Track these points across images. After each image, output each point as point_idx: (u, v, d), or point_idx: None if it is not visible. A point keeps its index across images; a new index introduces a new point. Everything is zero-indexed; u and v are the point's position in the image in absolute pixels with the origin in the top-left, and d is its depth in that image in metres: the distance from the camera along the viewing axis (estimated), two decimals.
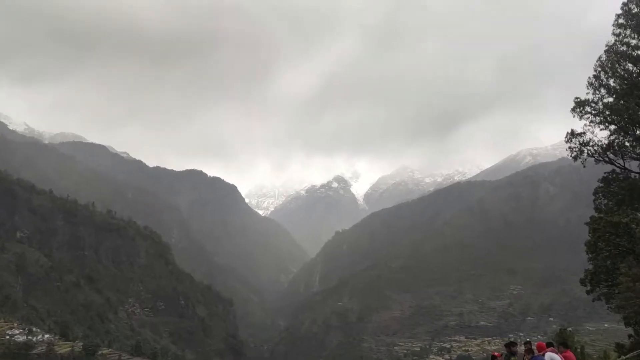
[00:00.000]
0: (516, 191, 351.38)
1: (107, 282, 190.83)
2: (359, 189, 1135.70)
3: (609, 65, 34.33)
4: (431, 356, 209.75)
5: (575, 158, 35.56)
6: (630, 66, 34.37)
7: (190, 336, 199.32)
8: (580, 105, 35.26)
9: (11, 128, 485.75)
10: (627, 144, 34.89)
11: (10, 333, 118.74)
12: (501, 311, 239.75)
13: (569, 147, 35.48)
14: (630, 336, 37.72)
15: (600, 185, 37.88)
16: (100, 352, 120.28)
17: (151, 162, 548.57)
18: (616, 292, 33.13)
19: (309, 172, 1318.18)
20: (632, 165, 35.98)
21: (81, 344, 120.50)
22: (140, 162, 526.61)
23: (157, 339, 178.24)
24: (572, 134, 35.20)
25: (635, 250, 31.06)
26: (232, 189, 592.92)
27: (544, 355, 20.46)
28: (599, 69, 34.98)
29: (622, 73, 34.18)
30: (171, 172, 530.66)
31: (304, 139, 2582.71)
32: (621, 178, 36.36)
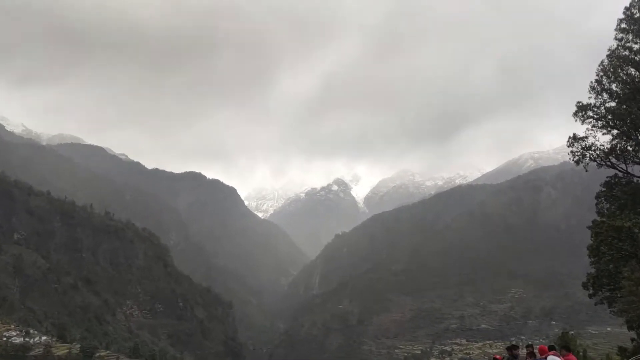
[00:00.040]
0: (518, 195, 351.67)
1: (105, 284, 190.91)
2: (359, 192, 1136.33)
3: (612, 69, 34.66)
4: (432, 359, 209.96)
5: (577, 162, 35.88)
6: (632, 71, 34.71)
7: (188, 339, 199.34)
8: (582, 110, 35.60)
9: (9, 129, 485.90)
10: (629, 148, 35.20)
11: (7, 335, 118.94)
12: (503, 314, 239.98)
13: (571, 151, 35.82)
14: (633, 340, 38.04)
15: (603, 189, 38.20)
16: (98, 354, 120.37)
17: (150, 164, 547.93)
18: (619, 295, 33.47)
19: (309, 175, 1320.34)
20: (635, 169, 36.30)
21: (79, 346, 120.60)
22: (138, 164, 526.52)
23: (155, 341, 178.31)
24: (575, 138, 35.55)
25: (637, 254, 31.40)
26: (232, 191, 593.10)
27: (546, 358, 20.76)
28: (601, 74, 35.32)
29: (624, 78, 34.51)
30: (170, 174, 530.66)
31: (304, 142, 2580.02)
32: (623, 182, 36.68)
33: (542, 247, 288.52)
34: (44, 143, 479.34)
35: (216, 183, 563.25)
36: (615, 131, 35.21)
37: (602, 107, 35.26)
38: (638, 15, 34.90)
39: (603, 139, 35.46)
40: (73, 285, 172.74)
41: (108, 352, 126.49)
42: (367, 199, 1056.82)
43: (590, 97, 35.77)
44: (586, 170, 37.08)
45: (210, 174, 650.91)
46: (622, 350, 42.13)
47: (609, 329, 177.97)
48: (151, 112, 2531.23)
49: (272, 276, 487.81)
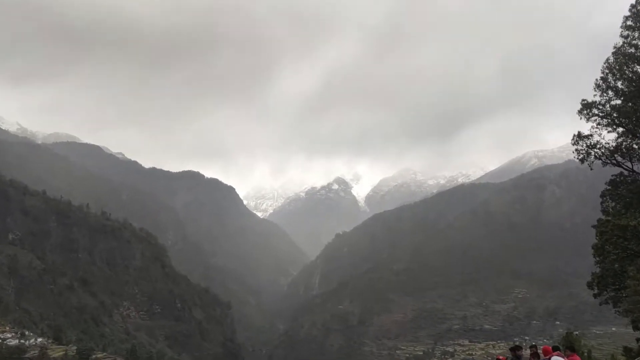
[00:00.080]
0: (521, 194, 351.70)
1: (101, 285, 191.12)
2: (360, 191, 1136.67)
3: (617, 67, 34.75)
4: None
5: (582, 160, 35.96)
6: (638, 68, 34.79)
7: (186, 340, 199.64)
8: (587, 107, 35.66)
9: (4, 128, 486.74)
10: (635, 146, 35.28)
11: (2, 337, 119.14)
12: (506, 314, 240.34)
13: (576, 150, 35.89)
14: (638, 340, 38.25)
15: (608, 187, 38.34)
16: (94, 356, 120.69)
17: (147, 163, 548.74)
18: (624, 295, 33.63)
19: (309, 174, 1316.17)
20: None
21: (75, 348, 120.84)
22: (135, 162, 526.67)
23: (152, 343, 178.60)
24: (579, 136, 35.62)
25: None
26: (230, 190, 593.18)
27: (550, 359, 20.95)
28: (607, 71, 35.39)
29: (630, 75, 34.60)
30: (168, 173, 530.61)
31: (304, 140, 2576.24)
32: (629, 181, 36.81)
33: (546, 246, 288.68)
34: (40, 142, 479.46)
35: (214, 182, 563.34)
36: (620, 129, 35.28)
37: (608, 105, 35.33)
38: None
39: (608, 137, 35.56)
40: (69, 286, 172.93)
41: (105, 354, 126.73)
42: (368, 198, 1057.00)
43: (595, 95, 35.85)
44: (591, 169, 37.17)
45: (208, 172, 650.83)
46: (627, 350, 42.31)
47: (614, 329, 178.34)
48: (149, 110, 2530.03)
49: (271, 276, 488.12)
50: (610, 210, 37.53)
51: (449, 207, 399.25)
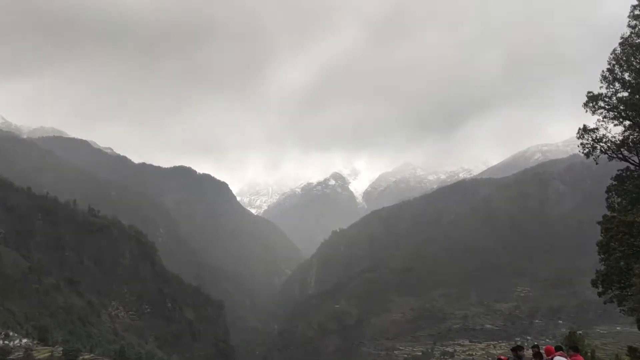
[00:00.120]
0: (524, 189, 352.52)
1: (89, 284, 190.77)
2: (358, 187, 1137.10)
3: (624, 58, 34.71)
4: None
5: (587, 155, 36.00)
6: None
7: (177, 341, 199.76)
8: (593, 100, 35.66)
9: None
10: None
11: None
12: (508, 314, 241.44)
13: (581, 144, 35.93)
14: None
15: (614, 183, 38.41)
16: (81, 357, 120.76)
17: (137, 159, 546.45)
18: (629, 294, 33.75)
19: (305, 170, 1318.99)
20: None
21: (61, 349, 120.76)
22: (125, 158, 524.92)
23: (142, 344, 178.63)
24: (585, 130, 35.65)
25: None
26: (223, 186, 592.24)
27: (552, 359, 20.99)
28: (614, 62, 35.37)
29: (637, 66, 34.57)
30: (158, 169, 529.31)
31: (300, 134, 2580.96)
32: (636, 176, 36.86)
33: (549, 243, 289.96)
34: (25, 136, 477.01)
35: (207, 178, 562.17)
36: (627, 122, 35.30)
37: (614, 97, 35.32)
38: None
39: (615, 131, 35.58)
40: (55, 286, 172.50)
41: (92, 355, 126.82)
42: (366, 194, 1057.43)
43: (601, 87, 35.84)
44: (596, 163, 37.21)
45: (200, 168, 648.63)
46: (632, 350, 42.51)
47: (618, 328, 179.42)
48: (138, 103, 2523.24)
49: (265, 275, 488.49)
50: (616, 206, 37.61)
51: (449, 203, 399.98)
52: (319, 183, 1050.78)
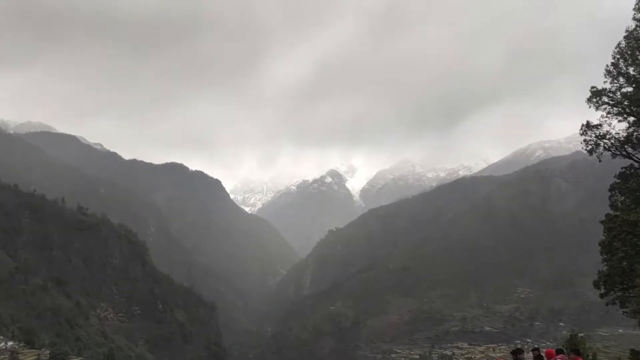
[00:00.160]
0: (525, 187, 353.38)
1: (77, 285, 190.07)
2: (355, 185, 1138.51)
3: (629, 52, 34.61)
4: None
5: (590, 152, 35.95)
6: None
7: (168, 343, 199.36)
8: (596, 95, 35.58)
9: None
10: None
11: None
12: (507, 316, 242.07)
13: (584, 140, 35.86)
14: None
15: (617, 181, 38.36)
16: None
17: (127, 155, 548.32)
18: (632, 295, 33.71)
19: (301, 167, 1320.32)
20: None
21: (48, 352, 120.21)
22: (115, 154, 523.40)
23: (131, 347, 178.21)
24: (588, 126, 35.56)
25: None
26: (216, 184, 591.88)
27: None
28: (618, 56, 35.27)
29: None
30: (149, 166, 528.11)
31: (296, 130, 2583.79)
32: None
33: (550, 243, 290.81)
34: (12, 131, 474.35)
35: (199, 175, 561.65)
36: (632, 118, 35.23)
37: (618, 93, 35.25)
38: None
39: (619, 127, 35.53)
40: (42, 286, 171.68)
41: (80, 358, 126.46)
42: (364, 192, 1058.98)
43: (605, 82, 35.80)
44: (600, 161, 37.22)
45: (192, 165, 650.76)
46: (634, 353, 42.50)
47: (620, 330, 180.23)
48: (129, 98, 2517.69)
49: (259, 276, 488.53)
50: (619, 204, 37.57)
51: (449, 201, 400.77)
52: (315, 180, 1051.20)
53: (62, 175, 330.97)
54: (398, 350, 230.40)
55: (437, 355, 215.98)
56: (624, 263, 33.89)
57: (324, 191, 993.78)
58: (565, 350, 23.00)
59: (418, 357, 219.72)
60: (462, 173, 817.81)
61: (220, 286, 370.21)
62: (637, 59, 34.44)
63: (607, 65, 35.68)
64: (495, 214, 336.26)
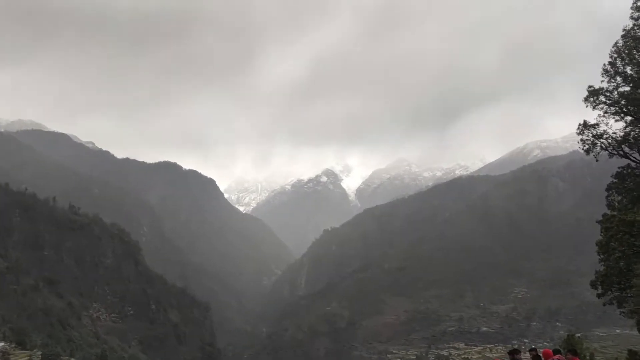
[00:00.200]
0: (522, 187, 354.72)
1: (69, 285, 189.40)
2: (351, 184, 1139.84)
3: (626, 51, 34.80)
4: None
5: (587, 151, 36.14)
6: None
7: (161, 344, 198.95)
8: (594, 94, 35.76)
9: None
10: None
11: None
12: (504, 316, 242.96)
13: (581, 140, 36.05)
14: None
15: (614, 180, 38.59)
16: None
17: (120, 153, 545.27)
18: (629, 295, 33.93)
19: (296, 166, 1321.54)
20: None
21: (40, 353, 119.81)
22: (107, 153, 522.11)
23: (125, 348, 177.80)
24: (585, 126, 35.76)
25: None
26: (210, 183, 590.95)
27: None
28: (615, 55, 35.46)
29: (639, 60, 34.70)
30: (142, 165, 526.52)
31: (291, 129, 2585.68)
32: (637, 173, 37.03)
33: (547, 243, 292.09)
34: (2, 129, 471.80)
35: (193, 174, 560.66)
36: (629, 118, 35.43)
37: (616, 92, 35.43)
38: None
39: (616, 126, 35.73)
40: (34, 286, 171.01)
41: (72, 359, 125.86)
42: (359, 192, 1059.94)
43: (602, 81, 35.99)
44: (597, 160, 37.44)
45: (186, 164, 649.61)
46: (632, 353, 42.78)
47: (618, 331, 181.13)
48: (122, 96, 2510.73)
49: (254, 276, 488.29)
50: (617, 204, 37.79)
51: (445, 201, 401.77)
52: (310, 180, 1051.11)
53: (53, 174, 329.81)
54: (394, 351, 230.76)
55: (433, 356, 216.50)
56: (621, 263, 34.10)
57: (319, 190, 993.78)
58: (562, 351, 23.18)
59: (414, 357, 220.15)
60: (458, 172, 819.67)
61: (215, 286, 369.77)
62: (635, 58, 34.64)
63: (604, 65, 35.89)
64: (492, 213, 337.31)
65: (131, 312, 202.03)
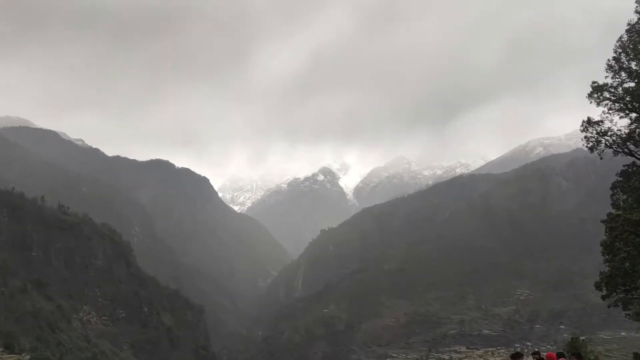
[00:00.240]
0: (525, 186, 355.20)
1: (58, 287, 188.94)
2: (349, 183, 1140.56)
3: (631, 46, 34.82)
4: None
5: (591, 149, 36.18)
6: None
7: (154, 348, 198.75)
8: (598, 91, 35.80)
9: None
10: None
11: None
12: (507, 318, 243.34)
13: (585, 137, 36.09)
14: None
15: (619, 179, 38.65)
16: None
17: (110, 151, 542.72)
18: (635, 297, 34.01)
19: (292, 164, 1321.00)
20: None
21: (28, 357, 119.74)
22: (97, 150, 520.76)
23: (116, 352, 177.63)
24: (589, 123, 35.81)
25: None
26: (204, 181, 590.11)
27: None
28: (620, 50, 35.49)
29: None
30: (133, 163, 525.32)
31: (287, 126, 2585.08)
32: None
33: (551, 243, 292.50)
34: None
35: (186, 172, 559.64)
36: (634, 114, 35.46)
37: (620, 88, 35.47)
38: None
39: (620, 123, 35.77)
40: (22, 288, 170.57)
41: None
42: (357, 190, 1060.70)
43: (607, 77, 36.00)
44: (601, 158, 37.44)
45: (179, 162, 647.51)
46: (637, 356, 42.98)
47: (623, 334, 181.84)
48: (112, 92, 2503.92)
49: (249, 277, 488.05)
50: (621, 203, 37.84)
51: (445, 200, 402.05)
52: (307, 178, 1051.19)
53: (41, 172, 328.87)
54: (394, 355, 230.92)
55: (434, 359, 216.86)
56: (627, 264, 34.16)
57: (316, 189, 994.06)
58: (566, 354, 23.27)
59: None
60: (459, 171, 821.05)
61: (209, 288, 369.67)
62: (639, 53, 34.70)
63: (608, 60, 35.92)
64: (494, 213, 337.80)
65: (123, 314, 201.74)
